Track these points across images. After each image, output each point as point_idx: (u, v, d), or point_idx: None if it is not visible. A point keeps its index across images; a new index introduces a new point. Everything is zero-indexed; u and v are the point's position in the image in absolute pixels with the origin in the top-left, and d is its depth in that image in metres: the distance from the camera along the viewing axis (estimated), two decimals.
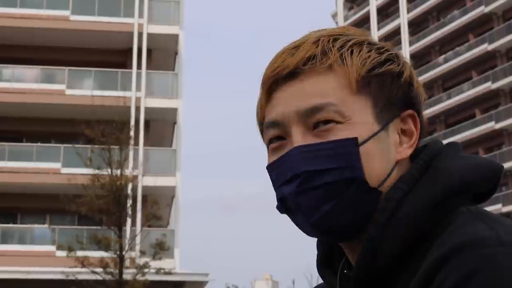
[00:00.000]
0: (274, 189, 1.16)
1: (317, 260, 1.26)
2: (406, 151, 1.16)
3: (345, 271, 1.20)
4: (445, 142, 1.21)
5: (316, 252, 1.27)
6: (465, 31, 48.36)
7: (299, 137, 1.12)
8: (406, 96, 1.18)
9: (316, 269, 1.26)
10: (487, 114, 45.30)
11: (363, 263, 1.10)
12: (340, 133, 1.11)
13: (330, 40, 1.16)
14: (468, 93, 46.43)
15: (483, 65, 46.84)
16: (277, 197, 1.16)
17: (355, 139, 1.11)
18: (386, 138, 1.14)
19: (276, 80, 1.16)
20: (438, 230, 1.06)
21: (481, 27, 47.53)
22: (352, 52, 1.15)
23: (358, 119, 1.12)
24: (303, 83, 1.14)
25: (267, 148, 1.19)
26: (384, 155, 1.13)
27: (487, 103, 46.06)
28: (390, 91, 1.16)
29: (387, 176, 1.13)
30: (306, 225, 1.13)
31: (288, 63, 1.14)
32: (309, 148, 1.11)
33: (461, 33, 48.73)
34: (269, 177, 1.18)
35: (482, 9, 46.81)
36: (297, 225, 1.16)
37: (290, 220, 1.17)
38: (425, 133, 1.23)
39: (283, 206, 1.15)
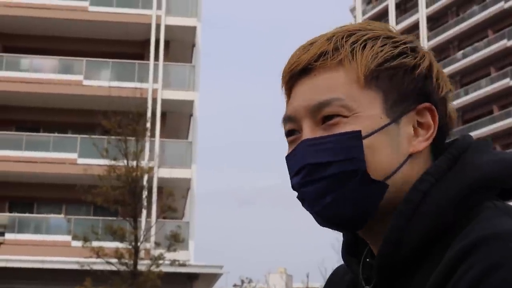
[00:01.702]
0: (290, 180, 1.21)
1: (342, 248, 1.28)
2: (421, 144, 1.17)
3: (367, 259, 1.21)
4: None
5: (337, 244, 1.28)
6: (484, 26, 48.10)
7: (307, 132, 1.16)
8: (422, 89, 1.18)
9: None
10: (505, 110, 45.07)
11: (385, 252, 1.11)
12: (346, 127, 1.13)
13: (344, 36, 1.18)
14: (486, 89, 46.20)
15: (502, 61, 46.58)
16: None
17: (358, 132, 1.13)
18: (396, 132, 1.15)
19: (292, 76, 1.20)
20: (463, 223, 1.06)
21: (500, 22, 47.25)
22: (364, 46, 1.17)
23: (366, 112, 1.14)
24: (314, 79, 1.17)
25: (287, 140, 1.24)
26: (393, 148, 1.14)
27: (505, 99, 45.81)
28: (401, 85, 1.17)
29: (396, 169, 1.14)
30: (313, 214, 1.17)
31: (302, 59, 1.19)
32: (314, 142, 1.15)
33: (480, 29, 48.47)
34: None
35: (502, 5, 46.52)
36: (310, 214, 1.20)
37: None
38: (453, 124, 1.23)
39: (297, 196, 1.20)
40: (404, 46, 1.19)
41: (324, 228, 1.20)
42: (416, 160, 1.16)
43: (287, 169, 1.20)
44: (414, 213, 1.10)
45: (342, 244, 1.28)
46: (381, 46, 1.17)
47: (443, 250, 1.04)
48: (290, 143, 1.21)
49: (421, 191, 1.11)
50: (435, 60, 1.23)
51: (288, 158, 1.19)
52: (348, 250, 1.26)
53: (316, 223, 1.20)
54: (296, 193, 1.20)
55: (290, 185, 1.18)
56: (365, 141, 1.12)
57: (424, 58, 1.20)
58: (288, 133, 1.21)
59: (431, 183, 1.11)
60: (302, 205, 1.19)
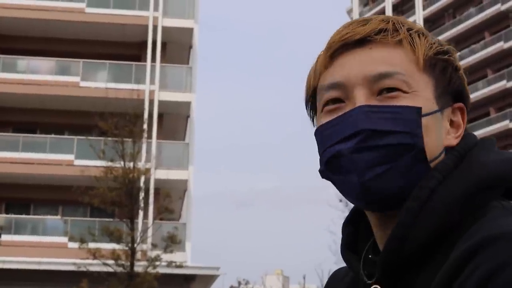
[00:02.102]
0: (322, 151, 1.17)
1: (341, 244, 1.27)
2: (452, 140, 1.19)
3: (369, 256, 1.20)
4: None
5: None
6: (481, 28, 48.14)
7: (362, 99, 1.14)
8: (461, 89, 1.22)
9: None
10: (502, 112, 45.10)
11: (391, 248, 1.11)
12: (406, 101, 1.13)
13: (399, 21, 1.20)
14: (483, 91, 46.23)
15: (499, 63, 46.62)
16: (324, 159, 1.16)
17: (420, 108, 1.13)
18: (441, 121, 1.18)
19: (343, 45, 1.18)
20: (469, 222, 1.06)
21: (497, 25, 47.30)
22: (419, 35, 1.19)
23: (422, 93, 1.15)
24: (371, 52, 1.17)
25: (321, 111, 1.20)
26: (438, 135, 1.16)
27: (502, 101, 45.85)
28: (449, 79, 1.20)
29: (438, 155, 1.15)
30: (355, 185, 1.13)
31: (359, 31, 1.18)
32: (374, 109, 1.13)
33: (476, 31, 48.52)
34: (316, 140, 1.18)
35: (498, 7, 46.57)
36: (341, 189, 1.16)
37: (334, 184, 1.18)
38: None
39: (332, 166, 1.15)
40: (448, 46, 1.24)
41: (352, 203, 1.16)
42: (443, 155, 1.18)
43: (320, 139, 1.17)
44: (421, 210, 1.09)
45: (342, 241, 1.27)
46: (432, 39, 1.22)
47: (449, 249, 1.04)
48: (329, 112, 1.18)
49: (429, 188, 1.11)
50: None
51: (329, 125, 1.15)
52: (347, 246, 1.26)
53: (347, 197, 1.16)
54: (320, 168, 1.17)
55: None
56: (423, 120, 1.13)
57: (459, 62, 1.24)
58: (331, 101, 1.18)
59: (439, 180, 1.11)
60: (337, 176, 1.15)
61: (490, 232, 0.99)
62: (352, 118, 1.13)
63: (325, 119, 1.17)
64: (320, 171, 1.18)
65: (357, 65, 1.16)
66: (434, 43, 1.21)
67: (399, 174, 1.12)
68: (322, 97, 1.19)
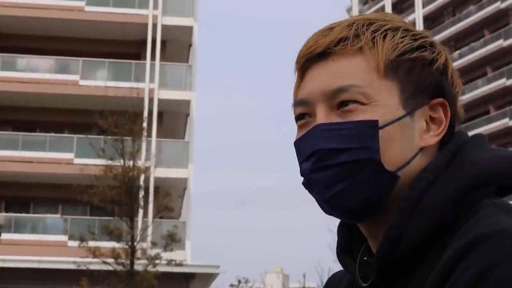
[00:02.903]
0: (299, 165, 1.19)
1: (337, 247, 1.27)
2: (432, 139, 1.16)
3: (365, 258, 1.20)
4: None
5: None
6: (480, 26, 48.11)
7: (322, 116, 1.14)
8: (437, 84, 1.18)
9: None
10: (501, 110, 45.08)
11: (384, 250, 1.10)
12: (363, 114, 1.12)
13: (365, 24, 1.17)
14: (483, 89, 46.21)
15: (498, 61, 46.59)
16: (300, 173, 1.18)
17: (376, 121, 1.11)
18: (410, 124, 1.15)
19: (308, 59, 1.18)
20: (461, 221, 1.06)
21: (496, 23, 47.27)
22: (385, 36, 1.16)
23: (383, 102, 1.13)
24: (333, 64, 1.16)
25: (296, 124, 1.21)
26: (406, 140, 1.14)
27: (502, 99, 45.82)
28: (419, 78, 1.17)
29: (407, 161, 1.13)
30: (321, 202, 1.15)
31: (321, 43, 1.17)
32: (330, 127, 1.13)
33: (476, 29, 48.49)
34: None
35: (498, 5, 46.53)
36: (316, 202, 1.18)
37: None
38: (461, 121, 1.24)
39: (304, 181, 1.17)
40: (423, 40, 1.19)
41: (330, 216, 1.18)
42: (425, 154, 1.15)
43: (296, 154, 1.18)
44: (413, 212, 1.09)
45: (337, 243, 1.27)
46: (401, 38, 1.17)
47: (442, 249, 1.04)
48: (300, 127, 1.19)
49: (419, 189, 1.10)
50: (449, 57, 1.23)
51: (298, 142, 1.17)
52: (342, 249, 1.25)
53: (323, 211, 1.18)
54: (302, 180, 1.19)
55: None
56: (381, 132, 1.11)
57: (440, 54, 1.20)
58: (299, 117, 1.19)
59: (429, 180, 1.11)
60: (309, 192, 1.17)
61: (482, 231, 0.99)
62: (309, 138, 1.14)
63: (298, 134, 1.19)
64: (302, 183, 1.19)
65: (318, 81, 1.16)
66: (400, 42, 1.16)
67: (361, 188, 1.11)
68: (294, 112, 1.20)
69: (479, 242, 0.97)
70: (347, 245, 1.25)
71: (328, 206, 1.14)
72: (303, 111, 1.18)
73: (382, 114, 1.12)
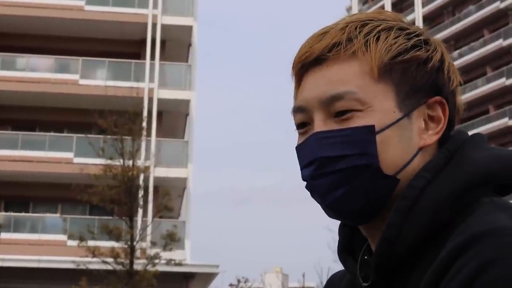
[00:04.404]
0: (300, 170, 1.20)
1: (338, 246, 1.27)
2: (431, 137, 1.17)
3: (365, 257, 1.20)
4: None
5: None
6: (480, 26, 48.13)
7: (319, 123, 1.14)
8: (433, 83, 1.18)
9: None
10: (501, 110, 45.11)
11: (382, 250, 1.11)
12: (360, 121, 1.12)
13: (358, 26, 1.17)
14: (482, 89, 46.23)
15: (498, 61, 46.62)
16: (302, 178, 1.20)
17: (372, 127, 1.12)
18: (408, 125, 1.15)
19: (303, 65, 1.18)
20: (459, 220, 1.06)
21: (496, 22, 47.29)
22: (378, 38, 1.16)
23: (379, 106, 1.13)
24: (327, 70, 1.16)
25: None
26: (404, 142, 1.14)
27: (501, 99, 45.86)
28: (414, 78, 1.16)
29: (406, 163, 1.13)
30: (323, 207, 1.16)
31: (314, 49, 1.17)
32: (327, 135, 1.13)
33: (476, 29, 48.51)
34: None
35: (497, 5, 46.56)
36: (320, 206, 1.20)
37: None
38: (460, 119, 1.24)
39: (306, 186, 1.18)
40: (417, 38, 1.18)
41: (333, 219, 1.19)
42: (426, 153, 1.16)
43: (297, 159, 1.19)
44: (410, 211, 1.09)
45: (338, 242, 1.27)
46: (395, 38, 1.16)
47: (439, 247, 1.04)
48: (300, 134, 1.19)
49: (417, 187, 1.10)
50: (447, 52, 1.23)
51: (298, 148, 1.18)
52: (344, 247, 1.26)
53: (327, 215, 1.19)
54: (305, 183, 1.19)
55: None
56: (378, 136, 1.12)
57: (436, 51, 1.19)
58: (299, 125, 1.19)
59: (427, 179, 1.11)
60: (311, 196, 1.18)
61: (479, 229, 0.99)
62: (308, 146, 1.15)
63: (298, 140, 1.19)
64: (305, 187, 1.19)
65: (313, 88, 1.16)
66: (394, 44, 1.15)
67: (361, 193, 1.12)
68: (294, 118, 1.21)
69: (475, 240, 0.98)
70: (349, 244, 1.26)
71: (330, 211, 1.16)
72: (301, 119, 1.18)
73: (378, 118, 1.12)
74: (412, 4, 54.55)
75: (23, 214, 27.33)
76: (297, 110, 1.19)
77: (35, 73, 27.78)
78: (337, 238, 1.30)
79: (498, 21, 47.19)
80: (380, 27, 1.17)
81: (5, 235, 25.85)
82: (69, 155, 26.62)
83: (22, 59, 28.28)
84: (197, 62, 30.04)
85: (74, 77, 27.80)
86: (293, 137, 1.22)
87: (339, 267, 1.32)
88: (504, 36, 45.39)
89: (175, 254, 22.08)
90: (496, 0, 46.79)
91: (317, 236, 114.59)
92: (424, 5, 53.19)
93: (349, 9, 63.35)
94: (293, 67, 1.21)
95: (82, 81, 27.68)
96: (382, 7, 57.38)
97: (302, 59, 1.18)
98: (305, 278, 59.20)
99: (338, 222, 1.27)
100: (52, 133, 27.71)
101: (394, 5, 56.66)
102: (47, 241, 25.77)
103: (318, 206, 1.19)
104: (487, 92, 45.96)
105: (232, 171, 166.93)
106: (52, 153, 26.66)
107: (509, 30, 45.35)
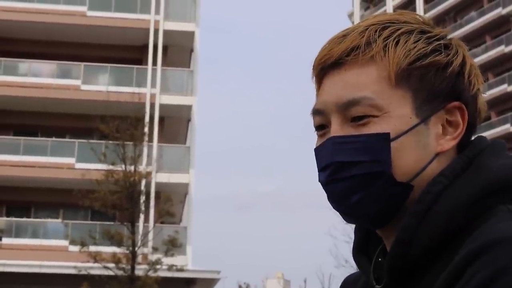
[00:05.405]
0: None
1: (353, 246, 1.27)
2: (449, 143, 1.15)
3: (379, 259, 1.20)
4: None
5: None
6: (482, 32, 48.15)
7: (336, 128, 1.14)
8: (453, 88, 1.16)
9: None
10: (503, 116, 45.10)
11: (396, 252, 1.11)
12: (376, 127, 1.12)
13: (378, 30, 1.16)
14: (484, 95, 46.10)
15: (500, 67, 46.62)
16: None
17: (387, 134, 1.11)
18: (425, 131, 1.14)
19: (322, 68, 1.18)
20: (473, 226, 1.06)
21: (498, 29, 47.31)
22: (397, 42, 1.15)
23: (396, 112, 1.13)
24: (345, 74, 1.15)
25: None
26: (420, 148, 1.13)
27: (503, 105, 45.84)
28: (432, 84, 1.15)
29: (422, 169, 1.13)
30: (338, 211, 1.17)
31: (333, 53, 1.16)
32: (343, 140, 1.13)
33: (477, 35, 48.52)
34: None
35: (499, 11, 46.58)
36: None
37: None
38: (481, 118, 1.23)
39: (323, 189, 1.19)
40: (438, 42, 1.17)
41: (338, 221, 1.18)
42: (444, 158, 1.15)
43: (315, 161, 1.19)
44: (426, 215, 1.09)
45: (354, 243, 1.27)
46: (414, 43, 1.15)
47: (453, 253, 1.04)
48: (319, 136, 1.19)
49: (433, 192, 1.10)
50: (468, 54, 1.21)
51: (316, 151, 1.18)
52: (359, 248, 1.25)
53: (343, 220, 1.20)
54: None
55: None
56: (393, 143, 1.11)
57: (457, 55, 1.18)
58: (318, 127, 1.19)
59: (444, 185, 1.10)
60: (327, 199, 1.18)
61: (493, 236, 0.99)
62: (324, 150, 1.15)
63: (317, 142, 1.20)
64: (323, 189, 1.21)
65: (332, 91, 1.16)
66: (413, 48, 1.14)
67: (375, 200, 1.12)
68: (313, 120, 1.21)
69: (488, 247, 0.97)
70: (364, 245, 1.25)
71: (345, 216, 1.17)
72: (320, 121, 1.18)
73: (394, 125, 1.12)
74: (414, 10, 54.54)
75: (24, 219, 27.34)
76: (316, 112, 1.19)
77: (37, 78, 27.83)
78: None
79: (500, 27, 47.20)
80: (400, 31, 1.16)
81: (6, 240, 25.86)
82: (71, 160, 26.64)
83: (24, 65, 28.33)
84: (199, 68, 30.09)
85: (76, 82, 27.84)
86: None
87: (341, 273, 1.32)
88: (506, 42, 45.41)
89: (176, 260, 22.08)
90: (498, 6, 46.81)
91: (319, 242, 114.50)
92: (426, 11, 53.23)
93: (351, 14, 63.36)
94: (313, 69, 1.21)
95: (84, 87, 27.72)
96: (384, 12, 57.41)
97: (321, 61, 1.18)
98: (307, 284, 59.07)
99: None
100: (54, 139, 27.74)
101: (396, 11, 56.68)
102: (48, 247, 25.77)
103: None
104: (489, 98, 45.92)
105: (234, 176, 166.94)
106: (54, 158, 26.69)
107: (511, 36, 45.37)
